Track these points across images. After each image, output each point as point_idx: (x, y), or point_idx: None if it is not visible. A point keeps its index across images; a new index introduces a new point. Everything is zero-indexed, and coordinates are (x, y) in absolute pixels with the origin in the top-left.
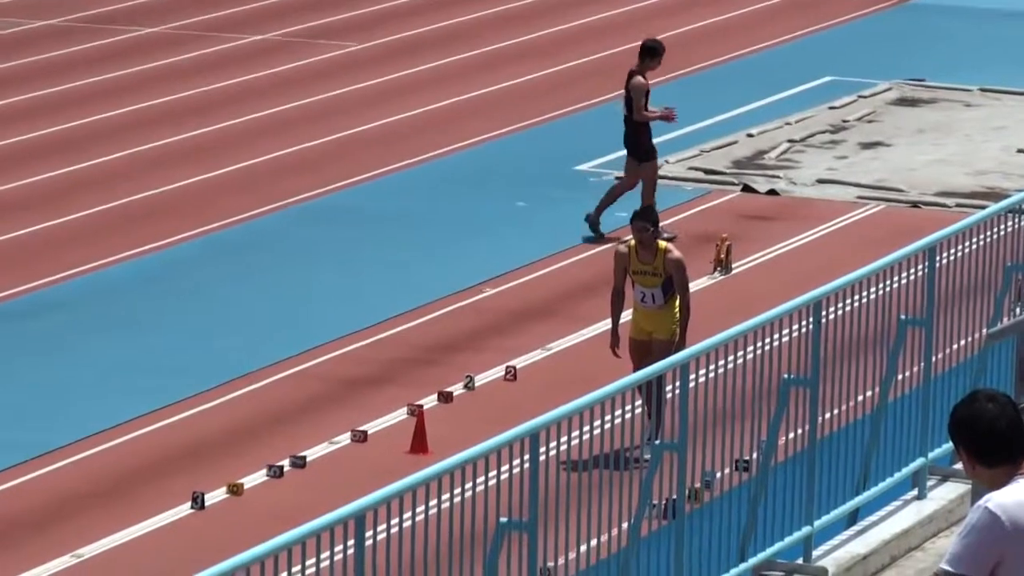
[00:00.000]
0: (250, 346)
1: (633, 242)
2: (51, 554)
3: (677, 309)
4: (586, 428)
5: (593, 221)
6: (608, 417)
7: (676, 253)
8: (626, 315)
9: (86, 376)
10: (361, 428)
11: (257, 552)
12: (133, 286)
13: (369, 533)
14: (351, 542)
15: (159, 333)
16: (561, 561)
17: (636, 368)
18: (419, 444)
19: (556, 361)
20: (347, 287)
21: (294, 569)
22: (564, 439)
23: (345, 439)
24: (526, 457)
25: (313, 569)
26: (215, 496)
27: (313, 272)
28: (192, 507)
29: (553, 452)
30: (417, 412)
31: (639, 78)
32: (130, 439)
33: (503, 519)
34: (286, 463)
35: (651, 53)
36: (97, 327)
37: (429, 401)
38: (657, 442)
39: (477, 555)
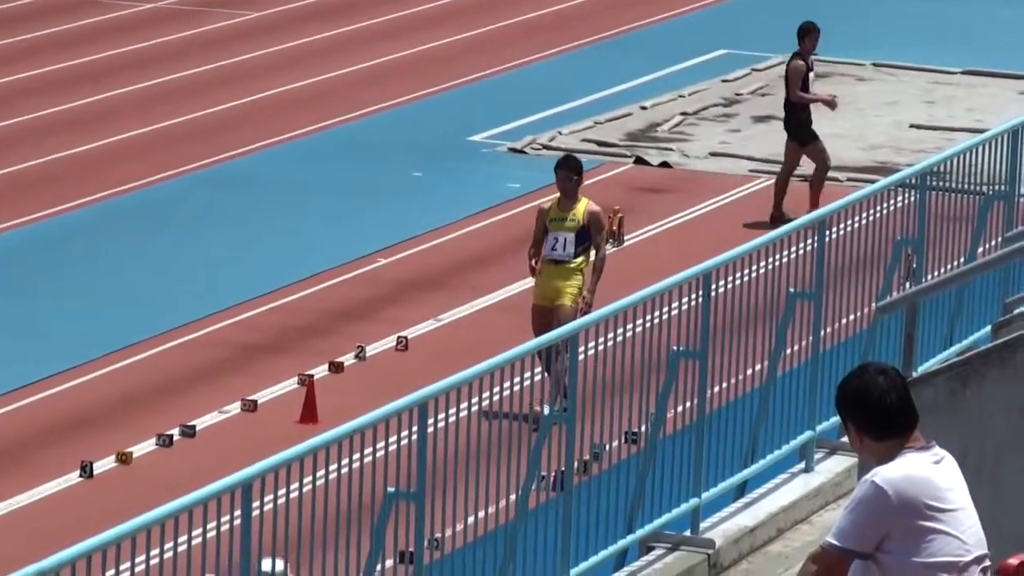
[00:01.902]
0: (142, 314)
1: (556, 198)
2: None
3: (581, 276)
4: (475, 399)
5: (777, 217)
6: (498, 388)
7: (598, 207)
8: (529, 282)
9: None
10: (251, 397)
11: (144, 520)
12: (26, 253)
13: (256, 503)
14: (238, 512)
15: (50, 300)
16: (449, 532)
17: (537, 336)
18: (309, 414)
19: (448, 332)
20: (242, 255)
21: (180, 538)
22: (453, 410)
23: (235, 408)
24: (415, 428)
25: (200, 540)
26: (104, 465)
27: (208, 239)
28: (81, 475)
29: (442, 423)
30: (308, 382)
31: (797, 61)
32: (18, 407)
33: (391, 489)
34: (176, 432)
35: (803, 34)
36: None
37: (320, 371)
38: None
39: (365, 525)
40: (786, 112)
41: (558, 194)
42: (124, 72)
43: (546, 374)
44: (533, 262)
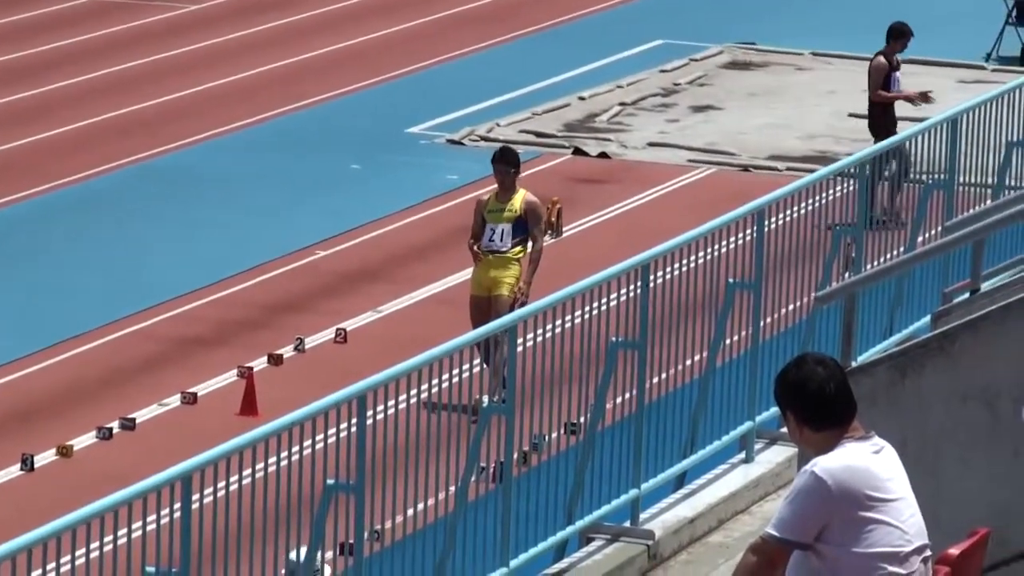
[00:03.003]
0: (82, 306)
1: (494, 190)
2: None
3: (518, 266)
4: (414, 391)
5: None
6: (436, 380)
7: (535, 199)
8: (467, 274)
9: None
10: (191, 390)
11: (85, 513)
12: None
13: (196, 496)
14: (178, 505)
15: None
16: (389, 524)
17: (475, 326)
18: (249, 406)
19: (387, 324)
20: (182, 247)
21: (120, 532)
22: (392, 401)
23: (175, 401)
24: (354, 420)
25: (140, 532)
26: (45, 458)
27: (148, 232)
28: (21, 469)
29: (381, 415)
30: (247, 374)
31: (880, 59)
32: None
33: (330, 481)
34: (116, 425)
35: (894, 35)
36: None
37: (259, 363)
38: (499, 400)
39: (305, 518)
40: (869, 113)
41: (496, 186)
42: (63, 66)
43: (485, 365)
44: (475, 249)
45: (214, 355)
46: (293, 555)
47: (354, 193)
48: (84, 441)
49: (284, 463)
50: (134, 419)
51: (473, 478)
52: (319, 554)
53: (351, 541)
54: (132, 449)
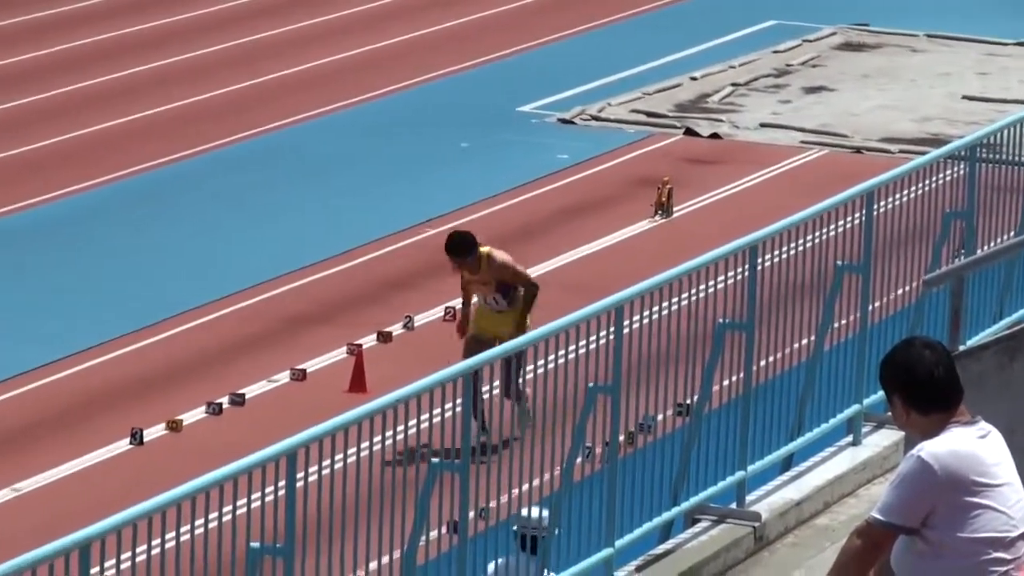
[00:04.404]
0: (191, 284)
1: None
2: None
3: (520, 312)
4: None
5: None
6: (542, 361)
7: (498, 256)
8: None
9: (27, 309)
10: (300, 367)
11: (191, 487)
12: (79, 220)
13: (301, 473)
14: (283, 482)
15: (102, 268)
16: (493, 503)
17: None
18: (357, 383)
19: None
20: (292, 226)
21: (226, 507)
22: (497, 382)
23: (284, 378)
24: (458, 400)
25: (244, 509)
26: (154, 432)
27: (257, 211)
28: (131, 443)
29: (487, 395)
30: (356, 351)
31: None
32: (70, 375)
33: (435, 460)
34: (225, 400)
35: None
36: (43, 261)
37: (368, 341)
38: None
39: (409, 496)
40: None
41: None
42: (147, 51)
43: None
44: (463, 312)
45: (323, 332)
46: (525, 511)
47: (464, 171)
48: (194, 416)
49: (389, 441)
50: (243, 395)
51: (579, 459)
52: (421, 531)
53: (456, 519)
54: (240, 425)
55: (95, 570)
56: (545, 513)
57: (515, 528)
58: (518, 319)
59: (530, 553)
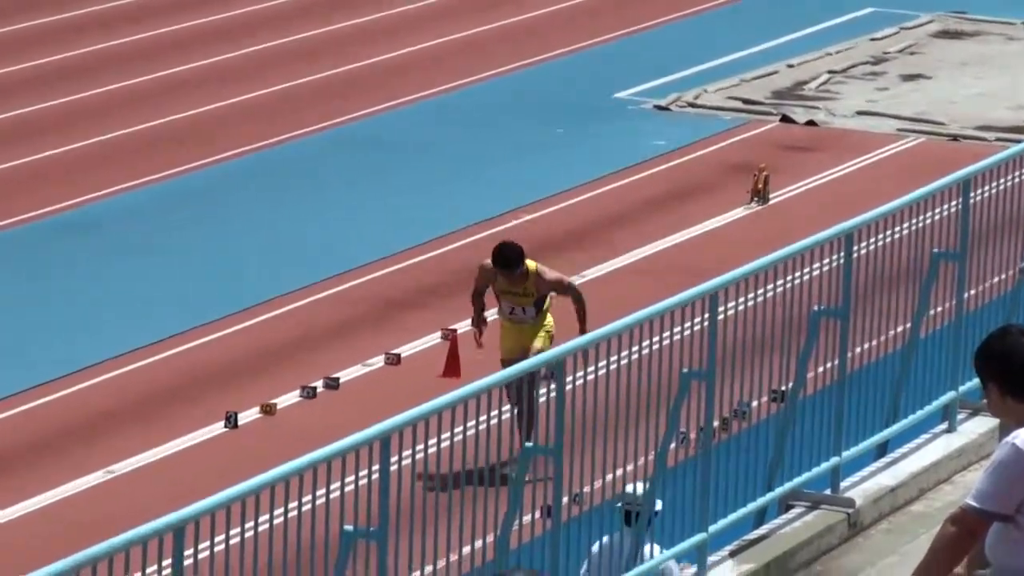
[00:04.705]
0: (286, 268)
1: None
2: (85, 469)
3: (546, 321)
4: (614, 357)
5: None
6: (636, 347)
7: (550, 275)
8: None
9: (123, 295)
10: (395, 351)
11: (285, 470)
12: (167, 208)
13: (395, 457)
14: (376, 466)
15: (196, 254)
16: (587, 489)
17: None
18: (451, 368)
19: (589, 289)
20: (385, 211)
21: (319, 491)
22: (591, 368)
23: (379, 362)
24: (553, 385)
25: (338, 493)
26: (248, 416)
27: (350, 196)
28: (225, 426)
29: (580, 381)
30: (451, 336)
31: None
32: (165, 358)
33: (529, 444)
34: (319, 384)
35: None
36: (132, 248)
37: (463, 325)
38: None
39: (503, 482)
40: None
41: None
42: (260, 31)
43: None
44: (474, 322)
45: (418, 316)
46: (630, 488)
47: (560, 158)
48: (288, 400)
49: (483, 426)
50: (338, 379)
51: (672, 445)
52: (515, 515)
53: (550, 503)
54: (335, 408)
55: (189, 552)
56: (646, 488)
57: (619, 505)
58: (549, 327)
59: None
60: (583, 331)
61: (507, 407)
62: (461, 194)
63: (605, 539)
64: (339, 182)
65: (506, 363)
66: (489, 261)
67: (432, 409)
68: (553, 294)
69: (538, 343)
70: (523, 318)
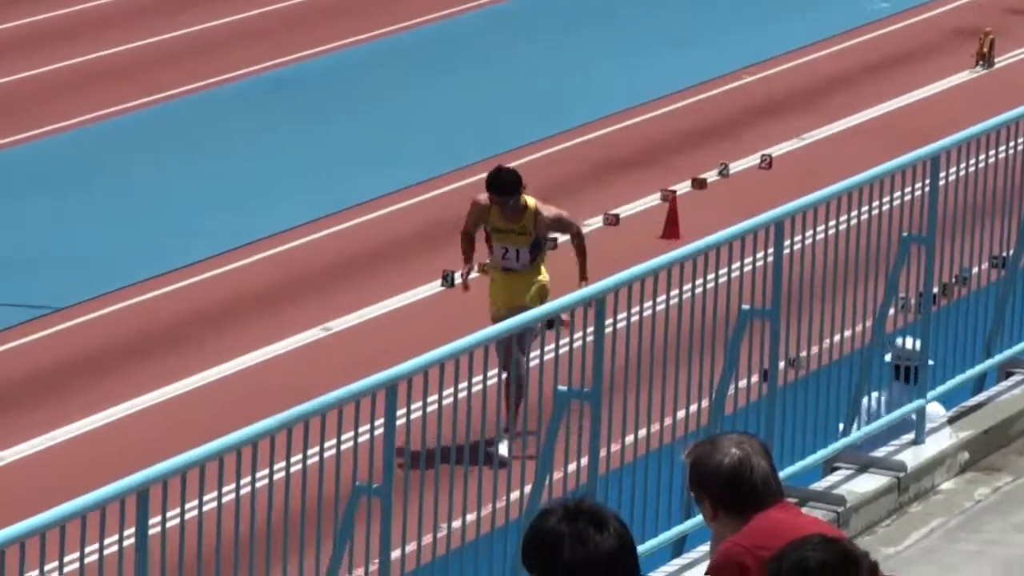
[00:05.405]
0: (501, 129)
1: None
2: (302, 326)
3: (540, 271)
4: (832, 222)
5: None
6: (822, 226)
7: (550, 211)
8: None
9: (338, 154)
10: (614, 212)
11: (503, 327)
12: (383, 65)
13: (609, 320)
14: (591, 328)
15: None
16: (804, 352)
17: (498, 350)
18: (671, 229)
19: (810, 151)
20: (605, 72)
21: (534, 354)
22: (810, 232)
23: (597, 222)
24: (770, 249)
25: (552, 355)
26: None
27: (577, 49)
28: (442, 285)
29: (798, 246)
30: (671, 197)
31: None
32: (382, 215)
33: (745, 306)
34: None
35: None
36: (341, 108)
37: (683, 187)
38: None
39: (719, 343)
40: None
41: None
42: None
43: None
44: (464, 261)
45: (637, 177)
46: (899, 341)
47: (785, 19)
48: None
49: (700, 289)
50: (555, 239)
51: (892, 310)
52: (733, 382)
53: (766, 367)
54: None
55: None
56: (919, 344)
57: (888, 359)
58: (544, 280)
59: (903, 382)
60: (583, 270)
61: (724, 270)
62: (680, 56)
63: (875, 393)
64: (559, 42)
65: (496, 320)
66: (482, 196)
67: (648, 270)
68: (558, 237)
69: (531, 302)
70: (516, 265)
